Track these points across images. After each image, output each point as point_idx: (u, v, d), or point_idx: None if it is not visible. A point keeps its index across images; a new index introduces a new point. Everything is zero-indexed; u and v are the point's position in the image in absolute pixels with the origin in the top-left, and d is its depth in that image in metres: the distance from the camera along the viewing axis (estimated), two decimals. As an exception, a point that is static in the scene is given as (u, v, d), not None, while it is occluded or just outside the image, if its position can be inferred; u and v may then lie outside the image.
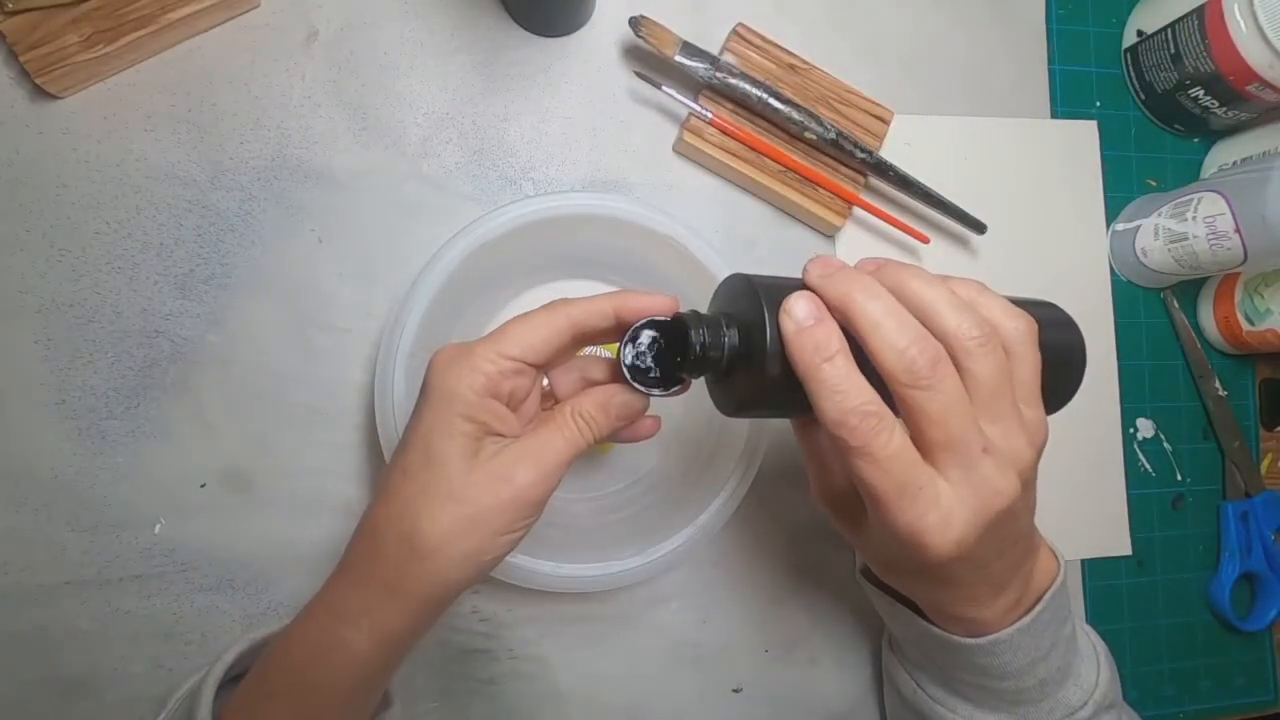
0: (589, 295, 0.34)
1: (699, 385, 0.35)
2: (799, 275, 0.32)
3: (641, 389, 0.33)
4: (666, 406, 0.48)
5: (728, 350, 0.31)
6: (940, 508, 0.29)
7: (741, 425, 0.44)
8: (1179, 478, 0.57)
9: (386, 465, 0.33)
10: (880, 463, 0.29)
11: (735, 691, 0.48)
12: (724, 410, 0.33)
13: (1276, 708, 0.58)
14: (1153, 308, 0.58)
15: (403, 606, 0.31)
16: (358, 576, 0.32)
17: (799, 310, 0.30)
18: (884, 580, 0.38)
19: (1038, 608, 0.35)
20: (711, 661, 0.48)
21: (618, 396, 0.34)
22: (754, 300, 0.31)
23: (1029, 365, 0.32)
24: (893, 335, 0.29)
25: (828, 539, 0.50)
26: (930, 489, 0.29)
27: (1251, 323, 0.55)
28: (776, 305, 0.30)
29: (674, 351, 0.33)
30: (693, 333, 0.31)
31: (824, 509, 0.37)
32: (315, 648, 0.31)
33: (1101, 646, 0.41)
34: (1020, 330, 0.31)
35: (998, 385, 0.30)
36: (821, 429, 0.30)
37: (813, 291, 0.31)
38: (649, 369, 0.33)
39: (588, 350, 0.42)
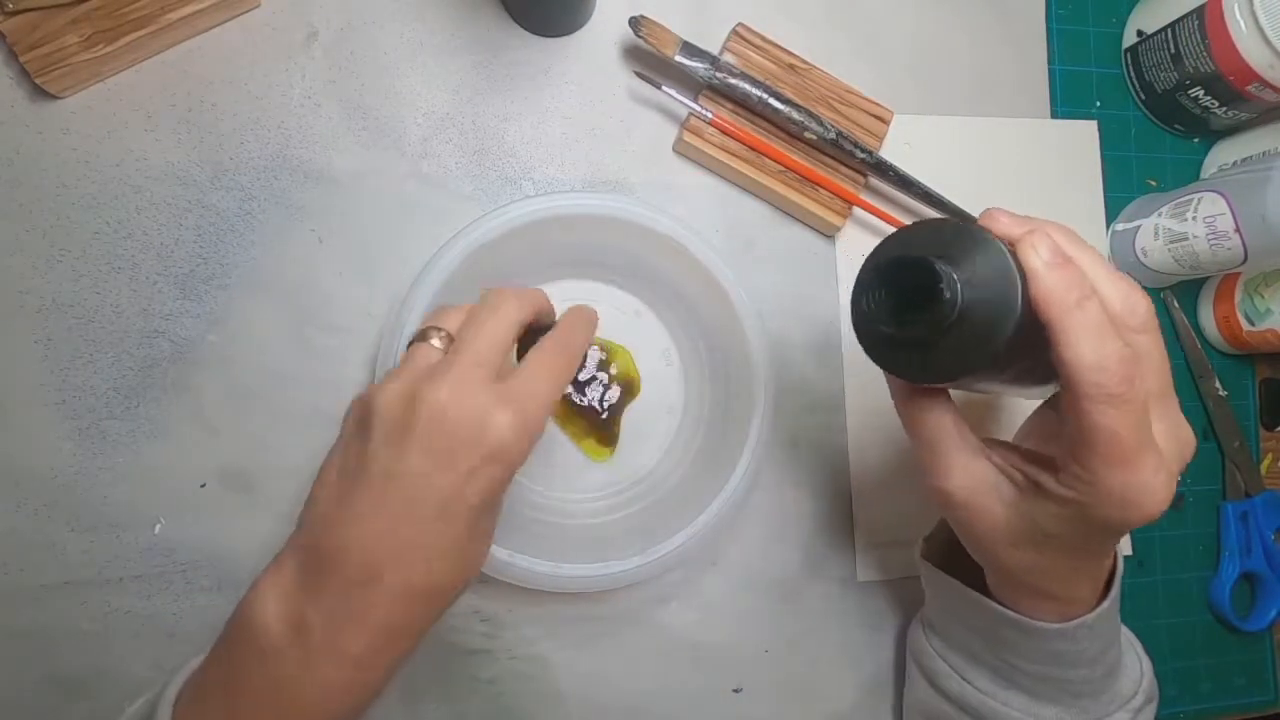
0: (574, 320, 0.36)
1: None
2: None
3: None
4: (667, 407, 0.48)
5: (963, 299, 0.27)
6: (1163, 463, 0.28)
7: (741, 425, 0.43)
8: (1179, 478, 0.57)
9: (431, 525, 0.30)
10: (1132, 412, 0.27)
11: (735, 691, 0.48)
12: (923, 378, 0.30)
13: (1276, 708, 0.58)
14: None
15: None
16: (396, 638, 0.30)
17: (1045, 248, 0.27)
18: (992, 559, 0.35)
19: (1113, 589, 0.35)
20: (711, 661, 0.48)
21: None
22: (977, 243, 0.28)
23: None
24: (1111, 278, 0.29)
25: (828, 539, 0.50)
26: (1155, 444, 0.28)
27: (1251, 323, 0.55)
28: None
29: (900, 300, 0.28)
30: (945, 277, 0.27)
31: (945, 495, 0.33)
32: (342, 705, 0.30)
33: (1135, 638, 0.41)
34: None
35: None
36: (1065, 377, 0.28)
37: (1005, 235, 0.29)
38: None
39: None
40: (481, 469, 0.30)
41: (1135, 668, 0.39)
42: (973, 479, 0.33)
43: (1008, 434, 0.41)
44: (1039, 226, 0.29)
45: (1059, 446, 0.30)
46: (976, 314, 0.28)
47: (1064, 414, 0.29)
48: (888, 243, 0.31)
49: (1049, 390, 0.36)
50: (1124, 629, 0.41)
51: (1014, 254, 0.28)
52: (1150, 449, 0.28)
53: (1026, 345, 0.28)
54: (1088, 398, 0.27)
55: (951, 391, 0.34)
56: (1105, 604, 0.35)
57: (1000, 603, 0.36)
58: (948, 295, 0.27)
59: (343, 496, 0.30)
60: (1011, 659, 0.37)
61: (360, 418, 0.31)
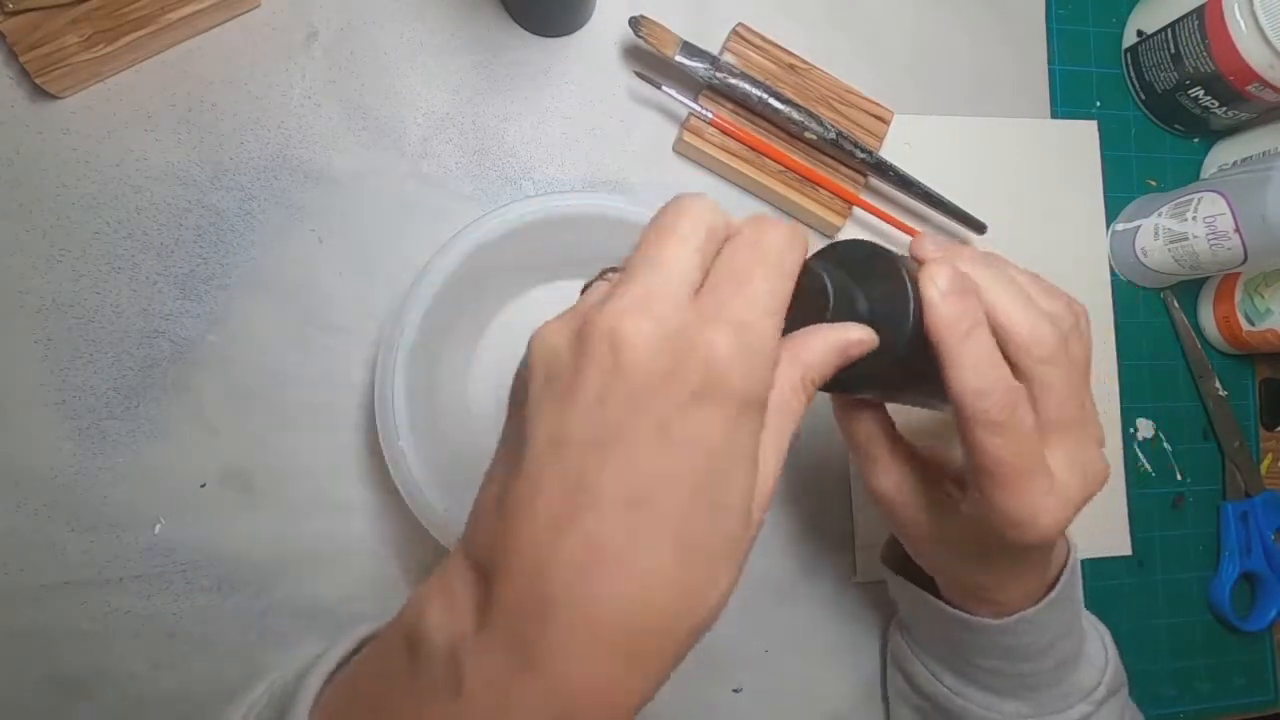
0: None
1: None
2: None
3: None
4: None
5: (857, 311, 0.29)
6: (1055, 490, 0.30)
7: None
8: (1179, 478, 0.57)
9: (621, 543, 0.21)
10: (1016, 438, 0.28)
11: (735, 691, 0.48)
12: (832, 387, 0.29)
13: (1276, 708, 0.58)
14: (1153, 308, 0.58)
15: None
16: (595, 688, 0.21)
17: (944, 278, 0.29)
18: (926, 562, 0.37)
19: (1060, 583, 0.36)
20: (711, 661, 0.48)
21: (855, 339, 0.27)
22: (883, 265, 0.29)
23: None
24: (1023, 309, 0.30)
25: (827, 539, 0.50)
26: (1046, 470, 0.30)
27: (1251, 323, 0.55)
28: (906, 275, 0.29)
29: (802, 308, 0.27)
30: (830, 283, 0.28)
31: (876, 494, 0.36)
32: None
33: (1104, 629, 0.41)
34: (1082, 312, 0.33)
35: (1087, 366, 0.32)
36: (953, 402, 0.29)
37: (924, 258, 0.30)
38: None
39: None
40: (690, 415, 0.21)
41: (1099, 657, 0.39)
42: (898, 482, 0.35)
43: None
44: (948, 257, 0.30)
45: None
46: (877, 332, 0.29)
47: (960, 443, 0.30)
48: (816, 256, 0.32)
49: None
50: (1093, 619, 0.41)
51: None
52: (1039, 474, 0.29)
53: (924, 366, 0.29)
54: (973, 422, 0.29)
55: (893, 405, 0.36)
56: (1050, 596, 0.35)
57: (949, 602, 0.37)
58: (829, 303, 0.28)
59: (504, 479, 0.23)
60: (966, 655, 0.39)
61: (520, 370, 0.24)
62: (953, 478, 0.35)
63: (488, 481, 0.24)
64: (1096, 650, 0.40)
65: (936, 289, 0.29)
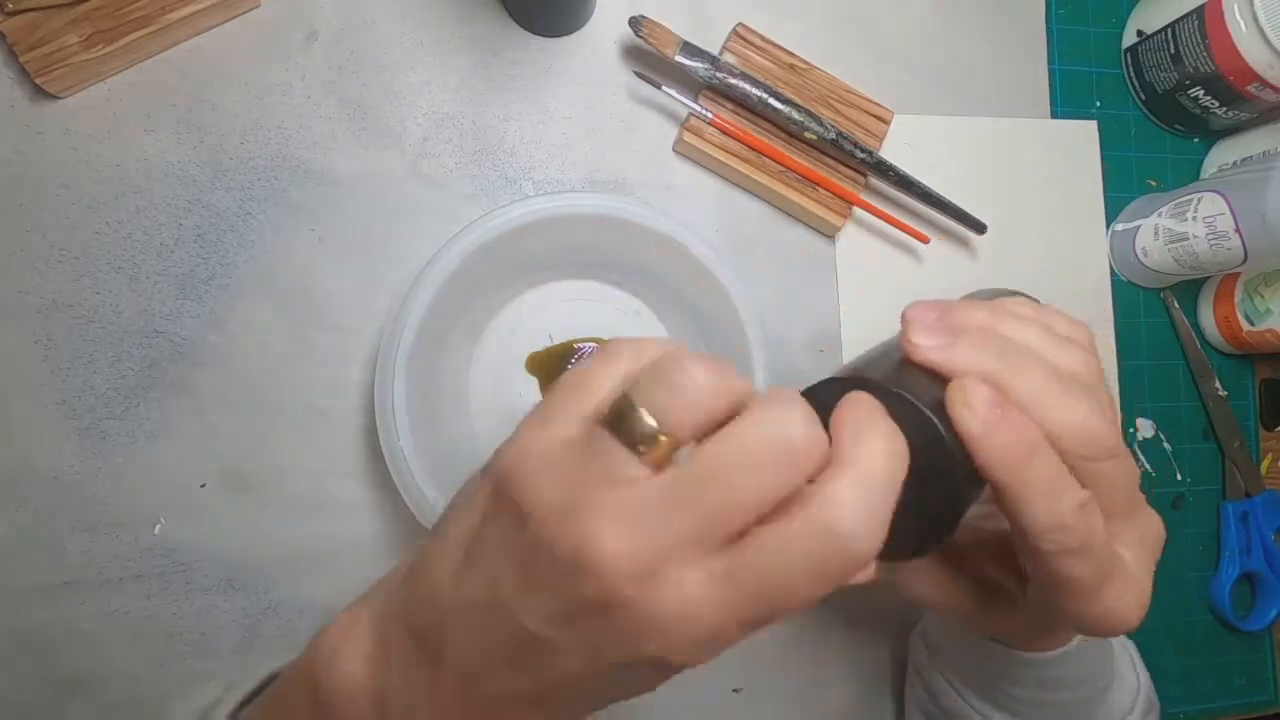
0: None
1: None
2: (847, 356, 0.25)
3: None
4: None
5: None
6: (1134, 581, 0.27)
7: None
8: (1179, 478, 0.57)
9: None
10: (1094, 554, 0.25)
11: (735, 691, 0.48)
12: (892, 556, 0.23)
13: (1276, 708, 0.58)
14: (1153, 308, 0.58)
15: None
16: None
17: (980, 400, 0.24)
18: (1003, 636, 0.36)
19: None
20: (711, 661, 0.48)
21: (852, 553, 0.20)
22: (900, 414, 0.22)
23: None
24: (1062, 403, 0.25)
25: (828, 539, 0.50)
26: (1121, 563, 0.27)
27: (1251, 323, 0.55)
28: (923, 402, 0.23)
29: None
30: None
31: (911, 602, 0.34)
32: None
33: (1130, 645, 0.41)
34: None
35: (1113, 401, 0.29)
36: (1020, 534, 0.26)
37: (930, 366, 0.26)
38: None
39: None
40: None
41: (1131, 681, 0.39)
42: (938, 584, 0.33)
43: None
44: (945, 334, 0.26)
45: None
46: (914, 494, 0.21)
47: (1021, 557, 0.28)
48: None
49: None
50: (1123, 639, 0.41)
51: (943, 403, 0.24)
52: (1116, 576, 0.27)
53: (970, 490, 0.25)
54: (1046, 554, 0.25)
55: None
56: None
57: (1014, 641, 0.37)
58: None
59: (458, 577, 0.23)
60: (1003, 685, 0.38)
61: (506, 501, 0.22)
62: (1006, 570, 0.32)
63: (448, 555, 0.23)
64: (1128, 670, 0.39)
65: (977, 420, 0.24)
